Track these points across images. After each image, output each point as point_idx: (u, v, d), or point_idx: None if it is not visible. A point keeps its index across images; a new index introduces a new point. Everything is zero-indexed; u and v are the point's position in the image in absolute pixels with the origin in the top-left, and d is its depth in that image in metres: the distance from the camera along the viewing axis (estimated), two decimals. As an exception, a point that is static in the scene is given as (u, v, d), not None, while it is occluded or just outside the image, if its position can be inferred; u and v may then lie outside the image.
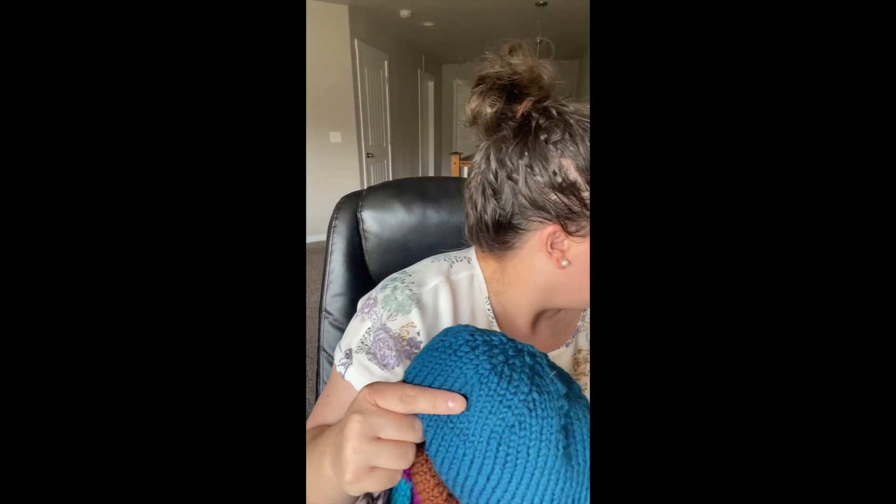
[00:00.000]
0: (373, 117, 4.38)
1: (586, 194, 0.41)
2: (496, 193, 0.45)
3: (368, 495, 0.38)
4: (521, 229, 0.45)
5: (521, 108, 0.43)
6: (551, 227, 0.43)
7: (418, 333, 0.47)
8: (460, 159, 3.75)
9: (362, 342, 0.48)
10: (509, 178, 0.43)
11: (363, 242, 0.71)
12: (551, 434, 0.28)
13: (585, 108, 0.43)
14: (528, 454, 0.28)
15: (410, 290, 0.49)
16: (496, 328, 0.51)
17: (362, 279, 0.72)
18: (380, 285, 0.51)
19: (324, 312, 0.71)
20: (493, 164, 0.44)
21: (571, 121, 0.42)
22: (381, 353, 0.47)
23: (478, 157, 0.47)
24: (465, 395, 0.29)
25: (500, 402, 0.28)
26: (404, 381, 0.33)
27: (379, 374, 0.47)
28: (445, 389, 0.30)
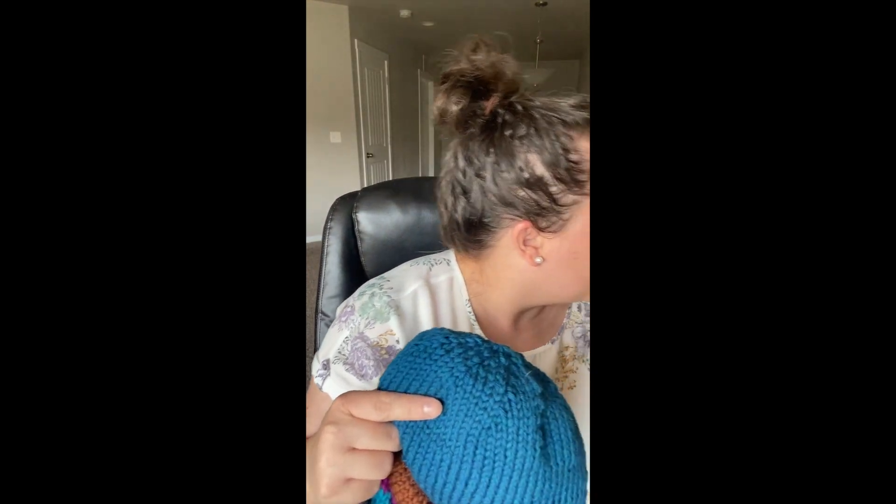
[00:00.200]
0: (373, 117, 4.38)
1: (554, 189, 0.41)
2: (465, 192, 0.45)
3: None
4: (493, 227, 0.45)
5: (488, 105, 0.43)
6: (521, 224, 0.43)
7: (397, 341, 0.47)
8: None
9: (340, 352, 0.47)
10: (477, 175, 0.43)
11: (359, 244, 0.71)
12: (528, 435, 0.28)
13: (553, 101, 0.43)
14: (506, 456, 0.27)
15: (389, 296, 0.49)
16: (478, 330, 0.50)
17: (358, 280, 0.71)
18: (357, 292, 0.51)
19: (320, 314, 0.71)
20: (462, 163, 0.44)
21: (537, 115, 0.41)
22: (360, 363, 0.46)
23: (447, 156, 0.47)
24: (441, 400, 0.29)
25: (476, 404, 0.28)
26: (379, 387, 0.32)
27: (357, 384, 0.46)
28: (421, 394, 0.29)
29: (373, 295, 0.49)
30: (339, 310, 0.51)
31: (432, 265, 0.53)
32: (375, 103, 4.43)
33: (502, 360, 0.30)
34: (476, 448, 0.28)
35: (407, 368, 0.31)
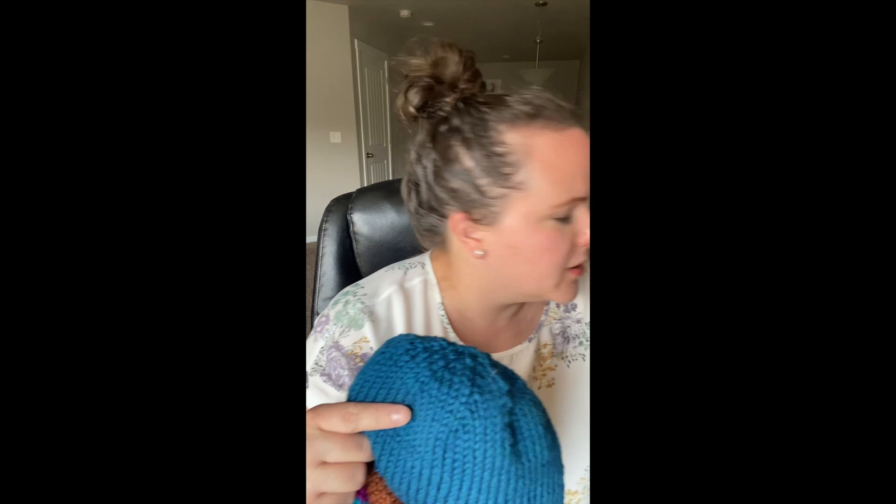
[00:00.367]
0: (373, 117, 4.38)
1: (481, 181, 0.42)
2: (417, 186, 0.47)
3: None
4: (440, 218, 0.46)
5: (434, 103, 0.45)
6: (459, 215, 0.44)
7: (371, 348, 0.47)
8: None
9: (316, 363, 0.48)
10: (424, 168, 0.45)
11: (354, 245, 0.71)
12: (496, 434, 0.28)
13: (502, 97, 0.44)
14: (475, 457, 0.27)
15: (363, 302, 0.49)
16: (451, 333, 0.50)
17: (353, 282, 0.71)
18: (333, 300, 0.51)
19: (315, 316, 0.71)
20: (413, 157, 0.47)
21: (474, 110, 0.43)
22: (336, 373, 0.47)
23: (410, 153, 0.49)
24: (409, 406, 0.29)
25: (442, 407, 0.28)
26: (348, 398, 0.32)
27: (335, 395, 0.46)
28: (388, 402, 0.29)
29: (347, 303, 0.49)
30: (316, 320, 0.52)
31: (407, 269, 0.53)
32: (375, 103, 4.43)
33: (468, 361, 0.30)
34: (445, 451, 0.28)
35: (374, 377, 0.31)
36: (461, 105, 0.44)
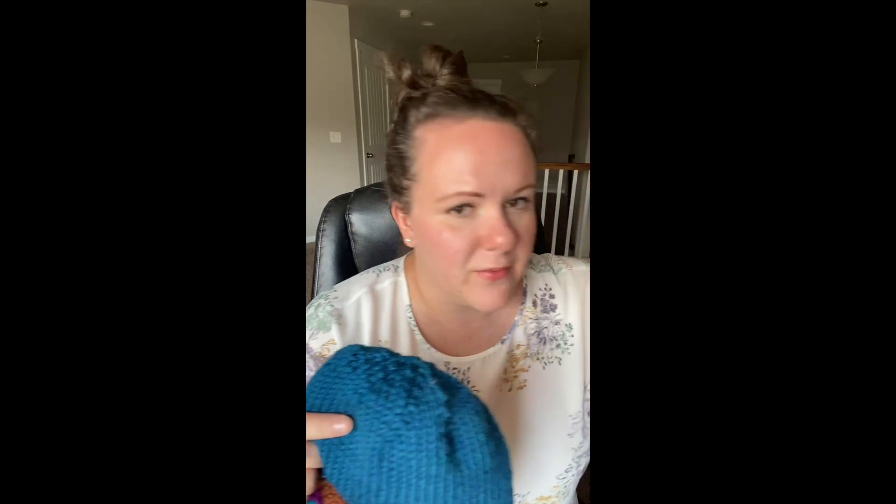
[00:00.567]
0: (373, 117, 4.38)
1: (394, 171, 0.46)
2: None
3: None
4: (388, 204, 0.50)
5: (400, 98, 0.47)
6: (395, 204, 0.47)
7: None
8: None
9: None
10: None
11: (352, 245, 0.71)
12: (430, 444, 0.28)
13: (441, 94, 0.44)
14: (410, 466, 0.28)
15: (332, 305, 0.50)
16: (418, 335, 0.50)
17: (352, 282, 0.71)
18: (308, 304, 0.52)
19: (313, 316, 0.71)
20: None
21: (412, 105, 0.45)
22: (306, 375, 0.47)
23: None
24: (351, 416, 0.30)
25: (378, 418, 0.29)
26: None
27: None
28: (332, 412, 0.31)
29: (318, 306, 0.50)
30: None
31: (381, 272, 0.54)
32: (375, 103, 4.43)
33: (407, 372, 0.31)
34: (382, 461, 0.29)
35: (319, 388, 0.32)
36: (406, 103, 0.46)
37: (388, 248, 0.69)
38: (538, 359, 0.52)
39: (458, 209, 0.41)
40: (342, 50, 3.78)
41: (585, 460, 0.53)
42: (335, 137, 4.00)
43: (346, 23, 3.72)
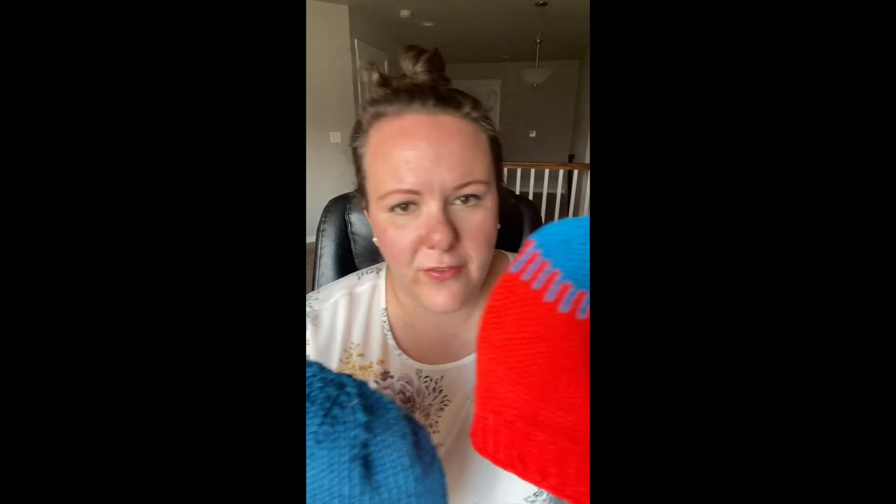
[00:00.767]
0: (373, 117, 4.38)
1: (355, 168, 0.46)
2: None
3: None
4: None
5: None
6: (363, 201, 0.47)
7: (308, 354, 0.47)
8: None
9: None
10: None
11: (352, 245, 0.71)
12: (343, 465, 0.28)
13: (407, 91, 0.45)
14: (322, 486, 0.28)
15: (311, 306, 0.49)
16: (390, 340, 0.49)
17: (352, 282, 0.71)
18: None
19: (313, 316, 0.71)
20: None
21: (366, 104, 0.45)
22: None
23: None
24: None
25: None
26: None
27: None
28: None
29: None
30: None
31: (363, 274, 0.53)
32: (375, 103, 4.42)
33: (331, 391, 0.30)
34: None
35: None
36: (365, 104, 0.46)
37: (388, 249, 0.70)
38: None
39: (404, 206, 0.40)
40: (342, 50, 3.78)
41: None
42: (335, 137, 4.00)
43: (346, 23, 3.72)
